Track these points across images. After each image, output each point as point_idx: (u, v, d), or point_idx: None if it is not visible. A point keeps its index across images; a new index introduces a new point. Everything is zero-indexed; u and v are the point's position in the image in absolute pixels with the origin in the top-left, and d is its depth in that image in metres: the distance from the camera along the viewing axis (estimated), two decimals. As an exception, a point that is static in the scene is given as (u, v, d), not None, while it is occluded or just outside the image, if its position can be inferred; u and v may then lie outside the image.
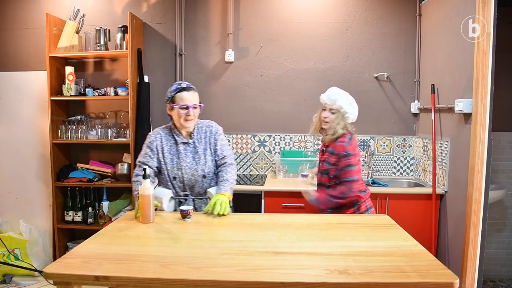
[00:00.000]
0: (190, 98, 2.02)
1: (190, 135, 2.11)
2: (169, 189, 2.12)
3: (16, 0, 3.46)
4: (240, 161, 3.50)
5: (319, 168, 2.31)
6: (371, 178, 3.24)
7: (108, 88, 3.25)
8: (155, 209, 1.89)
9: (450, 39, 2.70)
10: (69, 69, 3.21)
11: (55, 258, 3.32)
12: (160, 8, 3.43)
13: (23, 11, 3.46)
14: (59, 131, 3.29)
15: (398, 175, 3.44)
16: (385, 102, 3.38)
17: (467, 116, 2.43)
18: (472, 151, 2.28)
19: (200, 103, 2.07)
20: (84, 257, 1.37)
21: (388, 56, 3.36)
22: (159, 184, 2.18)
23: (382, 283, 1.20)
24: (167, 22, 3.43)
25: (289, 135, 3.47)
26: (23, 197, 3.38)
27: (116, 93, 3.24)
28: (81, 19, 3.24)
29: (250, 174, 3.47)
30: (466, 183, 2.35)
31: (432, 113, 2.85)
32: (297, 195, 2.85)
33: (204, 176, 2.10)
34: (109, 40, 3.28)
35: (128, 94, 3.16)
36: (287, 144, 3.47)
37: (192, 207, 1.89)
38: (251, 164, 3.51)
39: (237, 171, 3.51)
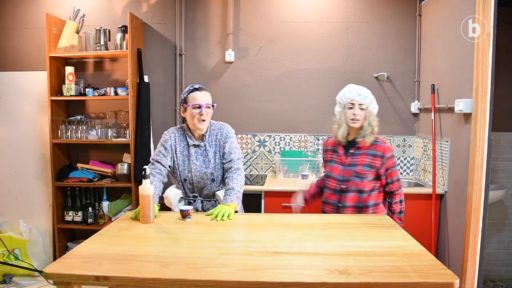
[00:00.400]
0: (203, 97, 2.03)
1: (202, 137, 2.11)
2: (180, 189, 2.15)
3: (16, 0, 3.46)
4: (240, 161, 3.50)
5: (349, 172, 2.07)
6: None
7: (108, 88, 3.25)
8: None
9: (450, 39, 2.70)
10: (69, 69, 3.21)
11: (55, 258, 3.32)
12: (160, 8, 3.43)
13: (23, 11, 3.46)
14: (59, 131, 3.29)
15: (398, 175, 3.44)
16: (385, 102, 3.38)
17: (467, 116, 2.43)
18: (472, 151, 2.28)
19: (213, 103, 2.08)
20: (84, 257, 1.37)
21: (388, 56, 3.36)
22: (172, 183, 2.20)
23: (382, 283, 1.20)
24: (167, 22, 3.43)
25: (289, 135, 3.47)
26: (23, 197, 3.38)
27: (116, 93, 3.24)
28: (81, 19, 3.24)
29: (250, 174, 3.47)
30: (466, 183, 2.35)
31: (432, 113, 2.85)
32: (297, 195, 2.86)
33: (213, 180, 2.11)
34: (109, 40, 3.28)
35: (128, 94, 3.16)
36: (287, 144, 3.47)
37: (192, 207, 1.89)
38: (251, 164, 3.51)
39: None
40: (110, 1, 3.45)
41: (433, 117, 2.84)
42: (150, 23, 3.44)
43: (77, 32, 3.25)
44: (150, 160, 2.10)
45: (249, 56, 3.44)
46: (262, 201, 2.90)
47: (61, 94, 3.25)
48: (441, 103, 2.82)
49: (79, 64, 3.48)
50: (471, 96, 2.33)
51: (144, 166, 1.86)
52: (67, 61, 3.43)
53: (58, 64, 3.29)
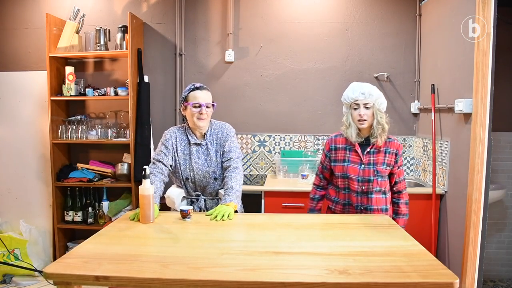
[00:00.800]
0: (203, 96, 2.04)
1: (203, 136, 2.11)
2: (182, 188, 2.15)
3: (16, 0, 3.46)
4: (240, 161, 3.50)
5: (369, 171, 2.00)
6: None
7: (108, 88, 3.25)
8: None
9: (450, 39, 2.70)
10: (69, 69, 3.21)
11: (55, 258, 3.32)
12: (160, 8, 3.43)
13: (23, 11, 3.46)
14: (59, 131, 3.29)
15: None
16: (385, 102, 3.38)
17: (467, 116, 2.43)
18: (472, 151, 2.28)
19: (213, 103, 2.08)
20: (84, 257, 1.37)
21: (388, 56, 3.36)
22: (174, 183, 2.20)
23: (382, 283, 1.20)
24: (167, 22, 3.43)
25: (289, 135, 3.46)
26: (23, 197, 3.38)
27: (116, 93, 3.24)
28: (81, 19, 3.24)
29: (250, 174, 3.46)
30: (466, 183, 2.35)
31: (432, 113, 2.85)
32: (297, 195, 2.86)
33: (215, 178, 2.11)
34: (109, 40, 3.28)
35: (128, 94, 3.16)
36: (287, 144, 3.47)
37: (192, 207, 1.89)
38: (251, 164, 3.51)
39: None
40: (110, 1, 3.45)
41: (433, 117, 2.84)
42: (150, 23, 3.44)
43: (77, 32, 3.25)
44: (152, 159, 2.10)
45: (249, 56, 3.44)
46: (262, 201, 2.90)
47: (61, 94, 3.25)
48: (441, 103, 2.82)
49: (79, 64, 3.48)
50: (471, 96, 2.33)
51: (144, 166, 1.86)
52: (67, 61, 3.43)
53: (58, 64, 3.29)
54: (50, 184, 3.27)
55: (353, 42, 3.37)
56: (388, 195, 2.07)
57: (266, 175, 3.39)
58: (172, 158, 2.08)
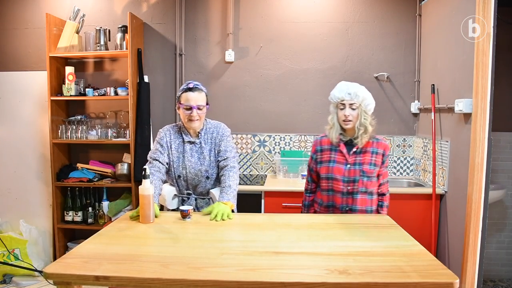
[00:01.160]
0: (195, 98, 2.01)
1: (197, 135, 2.11)
2: (174, 186, 2.15)
3: (16, 0, 3.46)
4: (240, 161, 3.50)
5: (355, 171, 1.98)
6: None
7: (108, 88, 3.25)
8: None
9: (450, 39, 2.70)
10: (69, 69, 3.21)
11: (55, 258, 3.32)
12: (160, 8, 3.43)
13: (23, 11, 3.46)
14: (59, 131, 3.29)
15: (398, 175, 3.44)
16: (385, 102, 3.38)
17: (467, 116, 2.43)
18: (472, 151, 2.28)
19: (207, 104, 2.08)
20: (84, 257, 1.37)
21: (388, 56, 3.36)
22: (166, 181, 2.20)
23: (382, 283, 1.20)
24: (167, 22, 3.43)
25: (289, 135, 3.47)
26: (23, 197, 3.38)
27: (116, 93, 3.24)
28: (81, 19, 3.24)
29: (250, 174, 3.47)
30: (466, 183, 2.35)
31: (432, 113, 2.85)
32: (297, 195, 2.86)
33: (207, 177, 2.11)
34: (109, 40, 3.28)
35: (128, 94, 3.16)
36: (287, 144, 3.47)
37: (192, 207, 1.89)
38: (251, 164, 3.51)
39: (237, 171, 3.51)
40: (110, 1, 3.45)
41: (433, 117, 2.84)
42: (150, 23, 3.44)
43: (77, 32, 3.25)
44: (148, 158, 2.10)
45: (249, 56, 3.44)
46: (262, 201, 2.90)
47: (61, 94, 3.25)
48: (441, 103, 2.82)
49: (79, 64, 3.48)
50: (471, 96, 2.33)
51: (144, 166, 1.86)
52: (67, 61, 3.43)
53: (58, 64, 3.29)
54: (50, 184, 3.27)
55: (353, 42, 3.37)
56: (375, 197, 2.06)
57: (266, 175, 3.39)
58: (167, 156, 2.09)
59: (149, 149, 3.27)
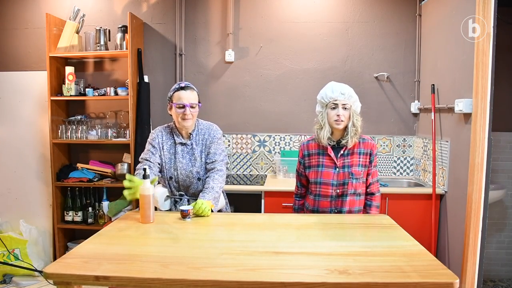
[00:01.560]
0: (187, 96, 2.02)
1: (189, 136, 2.11)
2: (166, 187, 2.14)
3: (16, 0, 3.46)
4: (240, 161, 3.50)
5: (344, 174, 1.98)
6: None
7: (108, 88, 3.25)
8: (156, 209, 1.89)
9: (450, 39, 2.70)
10: (69, 69, 3.21)
11: (55, 258, 3.32)
12: (160, 8, 3.43)
13: (23, 11, 3.46)
14: (59, 131, 3.29)
15: (398, 175, 3.44)
16: (385, 102, 3.38)
17: (467, 116, 2.43)
18: (472, 151, 2.28)
19: (199, 102, 2.07)
20: (84, 257, 1.37)
21: (388, 56, 3.36)
22: (159, 182, 2.19)
23: (382, 283, 1.20)
24: (167, 22, 3.43)
25: (289, 135, 3.47)
26: (23, 197, 3.38)
27: (116, 93, 3.24)
28: (81, 19, 3.24)
29: (250, 174, 3.47)
30: (466, 183, 2.35)
31: (432, 113, 2.85)
32: (297, 195, 2.86)
33: (199, 179, 2.11)
34: (109, 40, 3.28)
35: (128, 94, 3.16)
36: (287, 144, 3.47)
37: (192, 207, 1.89)
38: (251, 164, 3.51)
39: (237, 171, 3.51)
40: (110, 1, 3.45)
41: (433, 117, 2.84)
42: (150, 23, 3.44)
43: (77, 32, 3.25)
44: (140, 159, 2.09)
45: (249, 56, 3.44)
46: (262, 201, 2.90)
47: (61, 94, 3.25)
48: (441, 103, 2.82)
49: (79, 64, 3.48)
50: (471, 96, 2.33)
51: (144, 166, 1.86)
52: (67, 61, 3.43)
53: (58, 64, 3.29)
54: (50, 184, 3.27)
55: (353, 42, 3.37)
56: (362, 197, 2.06)
57: (266, 175, 3.39)
58: (159, 156, 2.09)
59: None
